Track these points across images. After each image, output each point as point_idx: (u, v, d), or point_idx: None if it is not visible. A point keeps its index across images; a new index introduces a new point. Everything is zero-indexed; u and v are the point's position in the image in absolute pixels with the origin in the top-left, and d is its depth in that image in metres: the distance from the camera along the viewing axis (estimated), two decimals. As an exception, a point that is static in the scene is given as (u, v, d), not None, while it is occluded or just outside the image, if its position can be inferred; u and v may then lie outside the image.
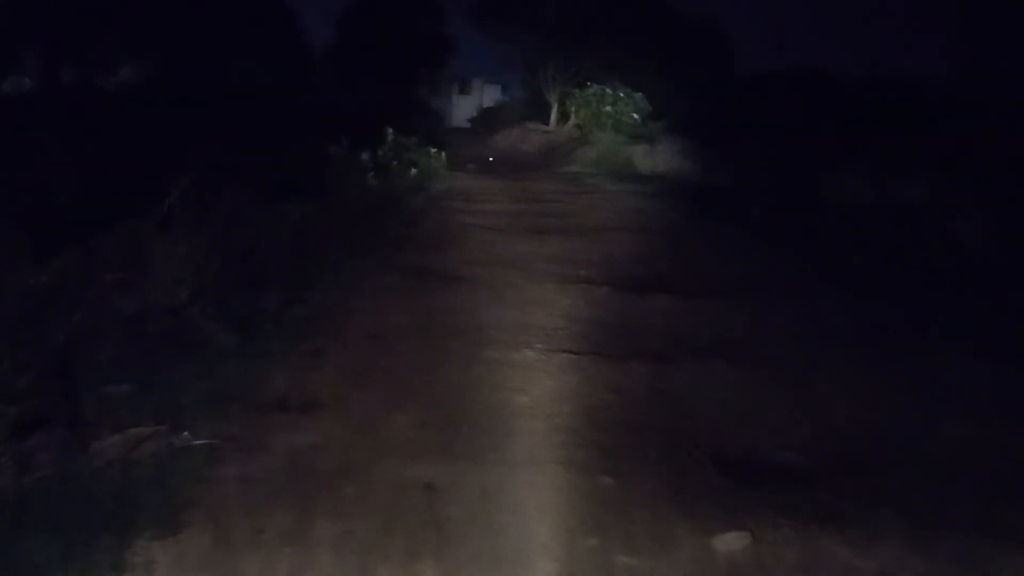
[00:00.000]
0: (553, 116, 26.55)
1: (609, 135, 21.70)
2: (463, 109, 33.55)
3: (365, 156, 11.26)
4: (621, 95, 22.47)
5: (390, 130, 13.06)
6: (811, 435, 4.34)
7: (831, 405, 4.78)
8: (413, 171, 12.95)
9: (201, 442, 3.97)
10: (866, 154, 11.35)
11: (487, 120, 29.73)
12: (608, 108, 22.53)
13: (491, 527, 3.38)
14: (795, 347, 5.88)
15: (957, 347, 5.83)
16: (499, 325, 6.14)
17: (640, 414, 4.57)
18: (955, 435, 4.35)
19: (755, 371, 5.31)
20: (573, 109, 24.71)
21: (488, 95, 34.62)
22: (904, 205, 9.82)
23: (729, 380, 5.16)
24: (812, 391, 4.99)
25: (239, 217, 6.43)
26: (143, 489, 3.51)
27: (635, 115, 21.93)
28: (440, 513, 3.48)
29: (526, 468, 3.90)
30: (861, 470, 3.95)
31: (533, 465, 3.93)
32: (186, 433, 4.02)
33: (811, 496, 3.67)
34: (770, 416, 4.60)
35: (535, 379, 5.07)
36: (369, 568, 3.05)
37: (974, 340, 5.92)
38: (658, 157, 18.11)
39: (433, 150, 14.86)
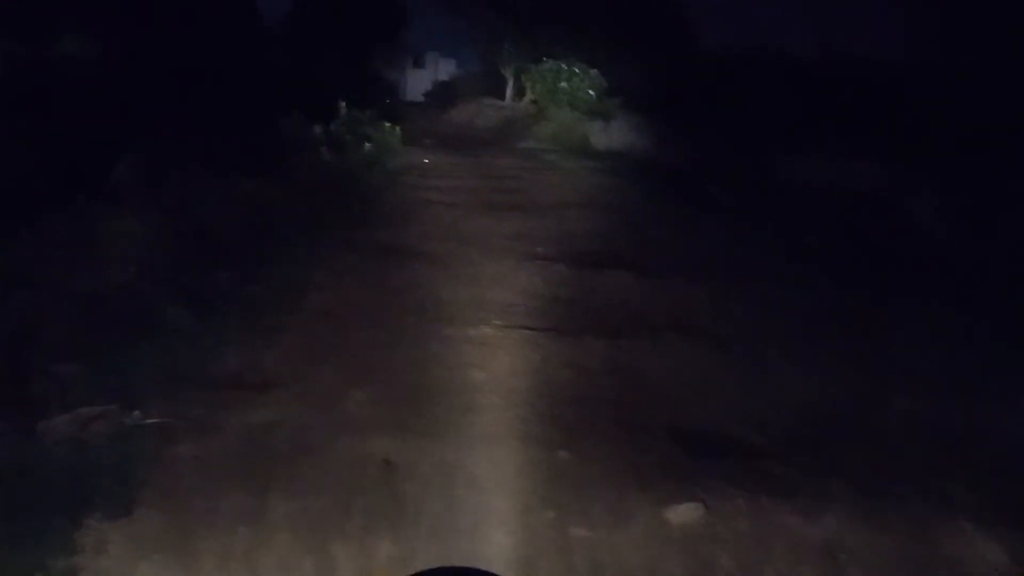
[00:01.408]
0: (509, 91, 26.40)
1: (565, 111, 21.62)
2: (418, 83, 33.16)
3: (318, 130, 11.07)
4: (577, 71, 22.39)
5: (343, 104, 12.84)
6: (764, 410, 4.43)
7: (784, 381, 4.88)
8: (367, 146, 12.75)
9: (154, 421, 3.91)
10: (825, 135, 11.48)
11: (443, 94, 29.43)
12: (564, 84, 22.44)
13: (449, 502, 3.40)
14: (750, 324, 5.97)
15: (909, 326, 5.97)
16: (456, 302, 6.13)
17: (597, 389, 4.62)
18: (903, 410, 4.48)
19: (710, 347, 5.39)
20: (529, 85, 24.59)
21: (443, 69, 34.25)
22: (861, 187, 9.99)
23: (685, 356, 5.23)
24: (766, 367, 5.09)
25: (191, 193, 6.28)
26: (94, 469, 3.45)
27: (591, 91, 21.87)
28: (398, 489, 3.49)
29: (484, 443, 3.91)
30: (812, 443, 4.05)
31: (491, 440, 3.95)
32: (137, 412, 3.95)
33: (763, 468, 3.76)
34: (724, 391, 4.68)
35: (493, 355, 5.08)
36: (326, 545, 3.04)
37: (926, 319, 6.08)
38: (614, 134, 18.12)
39: (388, 124, 14.65)
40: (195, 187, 6.43)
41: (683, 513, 3.35)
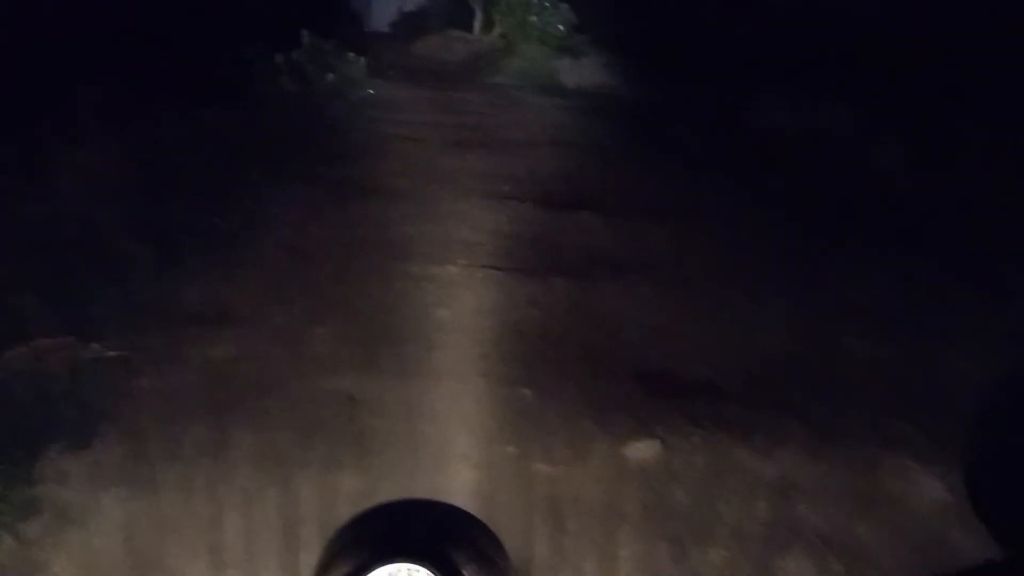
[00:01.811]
0: (477, 24, 25.81)
1: (535, 47, 21.24)
2: (383, 12, 32.19)
3: (279, 59, 10.77)
4: (547, 4, 21.96)
5: (305, 33, 12.47)
6: (724, 350, 4.51)
7: (745, 322, 4.96)
8: (330, 76, 12.45)
9: (113, 354, 3.86)
10: (796, 79, 11.44)
11: (409, 25, 28.68)
12: (533, 18, 21.99)
13: (412, 437, 3.44)
14: (713, 267, 6.02)
15: (867, 269, 6.08)
16: (421, 239, 6.09)
17: (561, 329, 4.66)
18: (859, 352, 4.59)
19: (673, 289, 5.44)
20: (498, 17, 24.08)
21: (410, -1, 33.33)
22: (828, 131, 10.01)
23: (648, 297, 5.27)
24: (727, 308, 5.16)
25: (148, 122, 6.09)
26: (52, 401, 3.42)
27: (561, 26, 21.50)
28: (361, 424, 3.51)
29: (448, 380, 3.95)
30: (769, 384, 4.15)
31: (455, 377, 3.98)
32: (96, 345, 3.90)
33: (721, 408, 3.85)
34: (685, 331, 4.75)
35: (457, 294, 5.08)
36: (289, 477, 3.07)
37: (883, 263, 6.18)
38: (584, 71, 17.89)
39: (352, 55, 14.27)
40: (153, 116, 6.23)
41: (641, 450, 3.43)
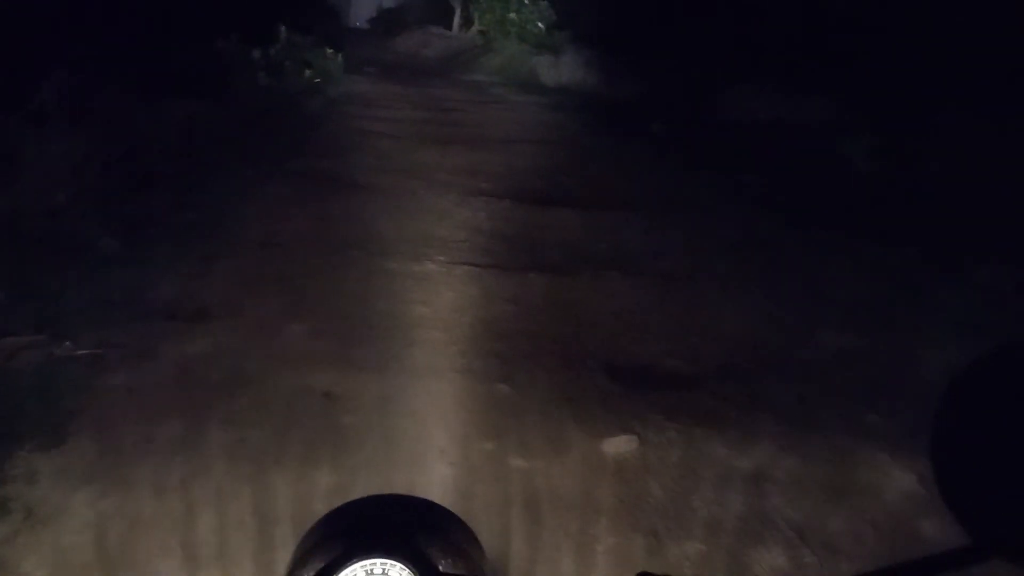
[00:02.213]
0: (456, 21, 25.79)
1: (513, 44, 21.26)
2: (362, 8, 32.15)
3: (256, 54, 10.69)
4: (526, 2, 21.97)
5: (283, 27, 12.39)
6: (699, 343, 4.54)
7: (718, 315, 5.00)
8: (308, 72, 12.39)
9: (84, 352, 3.82)
10: (768, 72, 11.54)
11: (388, 21, 28.62)
12: (512, 15, 22.00)
13: (389, 434, 3.43)
14: (687, 260, 6.06)
15: (838, 260, 6.14)
16: (400, 236, 6.08)
17: (537, 324, 4.66)
18: (831, 344, 4.63)
19: (649, 282, 5.47)
20: (477, 15, 24.06)
21: (389, -5, 33.21)
22: (799, 124, 10.11)
23: (624, 291, 5.29)
24: (701, 302, 5.19)
25: (122, 115, 6.01)
26: (23, 399, 3.38)
27: (540, 24, 21.51)
28: (337, 421, 3.50)
29: (425, 377, 3.94)
30: (744, 377, 4.18)
31: (432, 374, 3.97)
32: (68, 343, 3.85)
33: (696, 401, 3.87)
34: (661, 325, 4.77)
35: (435, 290, 5.07)
36: (264, 474, 3.05)
37: (855, 254, 6.25)
38: (562, 68, 17.90)
39: (330, 51, 14.20)
40: (126, 108, 6.15)
41: (618, 445, 3.44)
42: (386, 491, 3.11)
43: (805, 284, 5.64)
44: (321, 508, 2.72)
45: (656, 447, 3.45)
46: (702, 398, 3.90)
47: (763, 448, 3.45)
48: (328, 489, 3.02)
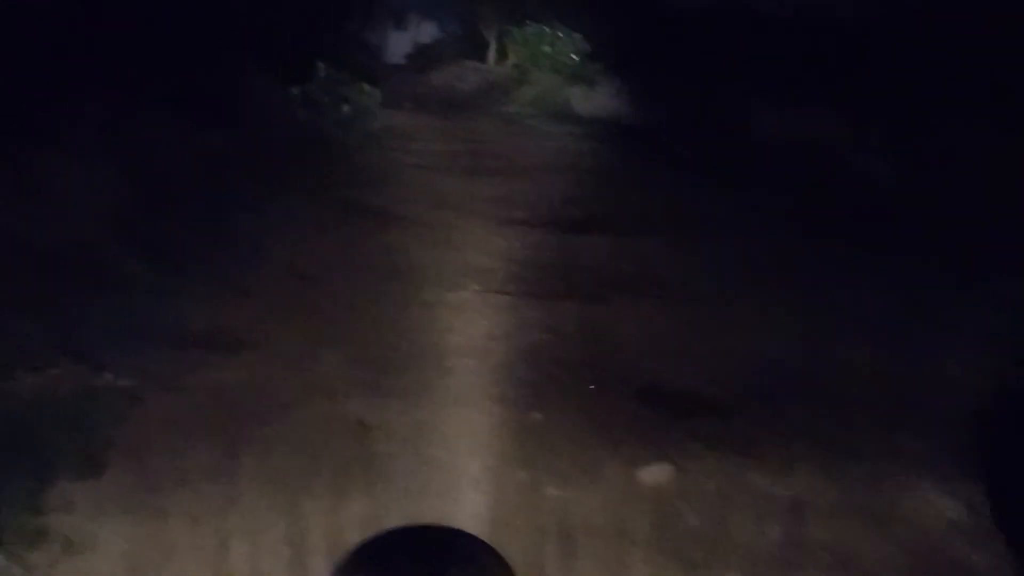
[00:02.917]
0: (491, 55, 26.06)
1: (548, 75, 21.41)
2: (399, 45, 32.61)
3: (295, 91, 10.89)
4: (560, 35, 22.16)
5: (321, 64, 12.63)
6: (731, 368, 4.46)
7: (750, 338, 4.91)
8: (345, 107, 12.58)
9: (121, 382, 3.87)
10: (791, 93, 11.50)
11: (423, 57, 29.00)
12: (547, 48, 22.18)
13: (423, 462, 3.41)
14: (718, 284, 5.98)
15: (865, 278, 6.01)
16: (435, 265, 6.09)
17: (571, 352, 4.62)
18: (863, 365, 4.53)
19: (679, 307, 5.40)
20: (511, 48, 24.32)
21: (425, 31, 33.67)
22: (823, 142, 10.04)
23: (656, 317, 5.24)
24: (732, 325, 5.11)
25: (159, 147, 6.14)
26: (61, 429, 3.42)
27: (574, 55, 21.67)
28: (371, 449, 3.48)
29: (459, 405, 3.92)
30: (778, 401, 4.09)
31: (465, 402, 3.95)
32: (107, 373, 3.90)
33: (731, 428, 3.80)
34: (693, 350, 4.71)
35: (470, 319, 5.07)
36: (297, 504, 3.04)
37: (881, 271, 6.12)
38: (596, 98, 17.99)
39: (367, 86, 14.44)
40: (163, 141, 6.28)
41: (654, 473, 3.38)
42: (419, 521, 3.08)
43: (835, 304, 5.53)
44: (354, 537, 2.69)
45: (692, 475, 3.39)
46: (737, 424, 3.83)
47: (800, 475, 3.36)
48: (361, 518, 3.01)
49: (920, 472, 3.41)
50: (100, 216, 5.09)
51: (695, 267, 6.32)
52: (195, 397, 3.83)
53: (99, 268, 4.87)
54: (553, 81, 20.88)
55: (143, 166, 5.62)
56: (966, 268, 5.80)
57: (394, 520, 3.01)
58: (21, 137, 5.12)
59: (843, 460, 3.50)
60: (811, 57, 11.57)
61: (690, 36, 15.19)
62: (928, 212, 7.21)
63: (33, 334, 4.11)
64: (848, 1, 12.39)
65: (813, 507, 3.16)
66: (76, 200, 4.94)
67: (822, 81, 10.82)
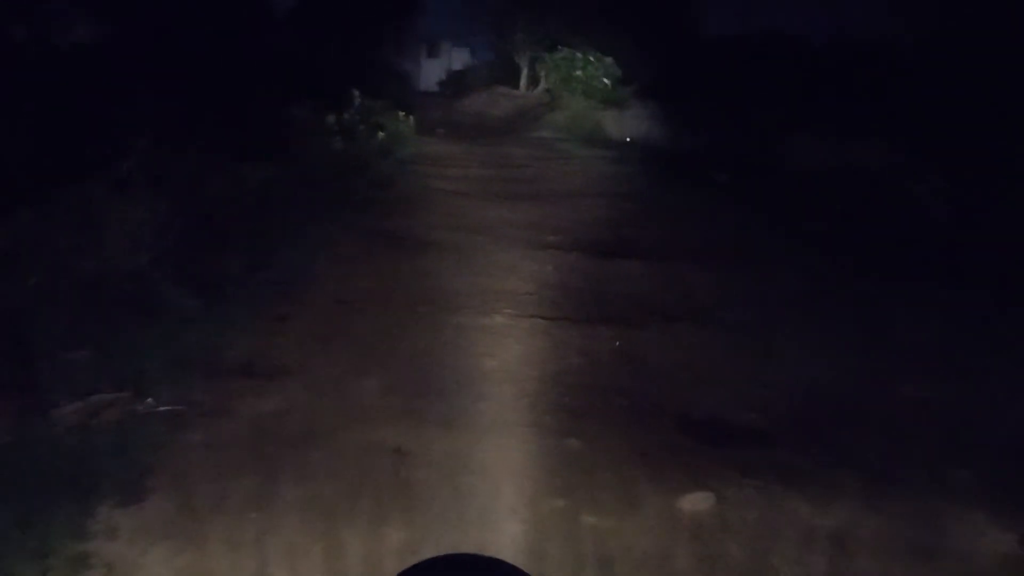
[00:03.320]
0: (523, 80, 26.29)
1: (579, 100, 21.54)
2: (432, 72, 33.07)
3: (331, 119, 11.07)
4: (592, 59, 22.29)
5: (356, 92, 12.84)
6: (772, 396, 4.40)
7: (791, 366, 4.85)
8: (380, 135, 12.75)
9: (164, 408, 3.92)
10: (829, 118, 11.41)
11: (456, 84, 29.34)
12: (578, 73, 22.35)
13: (459, 490, 3.40)
14: (758, 310, 5.94)
15: (912, 308, 5.93)
16: (468, 291, 6.12)
17: (607, 377, 4.60)
18: (909, 393, 4.44)
19: (718, 333, 5.36)
20: (543, 73, 24.50)
21: (457, 58, 34.10)
22: (866, 169, 9.92)
23: (693, 343, 5.20)
24: (773, 352, 5.06)
25: (201, 178, 6.28)
26: (104, 456, 3.47)
27: (605, 80, 21.78)
28: (408, 476, 3.48)
29: (494, 431, 3.91)
30: (821, 430, 4.02)
31: (501, 428, 3.94)
32: (150, 400, 3.96)
33: (773, 456, 3.73)
34: (733, 377, 4.65)
35: (504, 344, 5.07)
36: (336, 531, 3.05)
37: (928, 301, 6.02)
38: (628, 122, 18.04)
39: (401, 114, 14.65)
40: (205, 173, 6.43)
41: (694, 502, 3.33)
42: (457, 549, 3.08)
43: (879, 333, 5.45)
44: (392, 566, 2.69)
45: (734, 504, 3.33)
46: (779, 453, 3.77)
47: (845, 505, 3.29)
48: (399, 546, 3.00)
49: (970, 504, 3.32)
50: (145, 246, 5.21)
51: (734, 293, 6.28)
52: (236, 423, 3.87)
53: (143, 296, 4.97)
54: (585, 106, 21.01)
55: (189, 199, 5.75)
56: (1016, 297, 5.69)
57: (432, 548, 3.01)
58: (72, 169, 5.28)
59: (889, 490, 3.42)
60: (862, 84, 11.48)
61: (724, 61, 15.19)
62: (980, 240, 7.08)
63: (78, 361, 4.20)
64: (883, 24, 12.32)
65: (858, 538, 3.09)
66: (122, 231, 5.06)
67: (873, 109, 10.72)
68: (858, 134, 10.57)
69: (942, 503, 3.35)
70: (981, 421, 4.08)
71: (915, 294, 6.18)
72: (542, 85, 24.83)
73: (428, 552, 2.87)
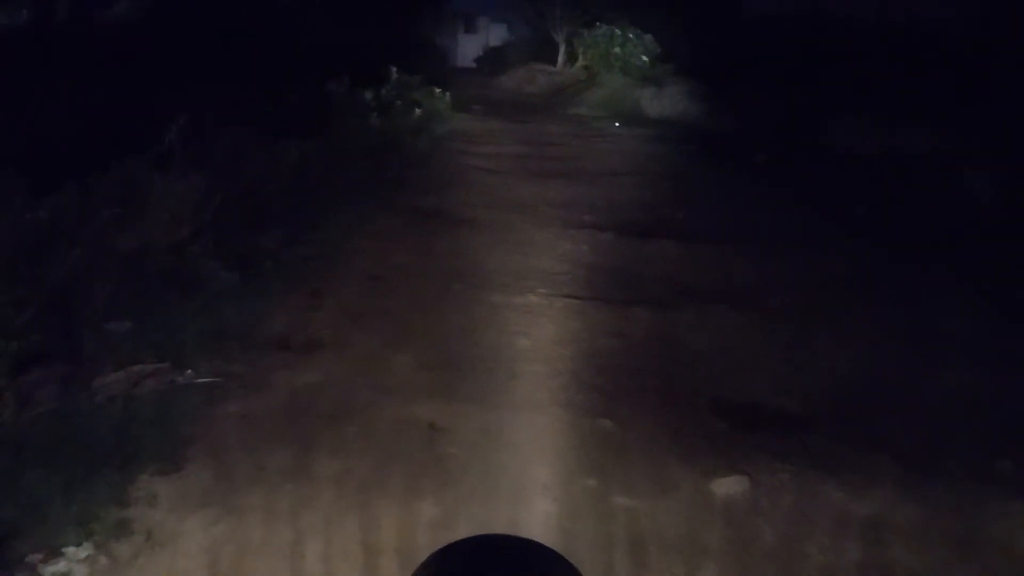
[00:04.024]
0: (560, 57, 26.05)
1: (617, 77, 21.28)
2: (469, 48, 32.93)
3: (368, 95, 11.07)
4: (630, 36, 21.99)
5: (394, 69, 12.81)
6: (810, 381, 4.35)
7: (830, 352, 4.79)
8: (417, 111, 12.73)
9: (203, 380, 3.99)
10: (873, 101, 11.15)
11: (493, 60, 29.19)
12: (617, 50, 22.07)
13: (491, 466, 3.42)
14: (797, 294, 5.86)
15: (957, 296, 5.81)
16: (502, 269, 6.12)
17: (641, 359, 4.58)
18: (951, 382, 4.36)
19: (756, 318, 5.30)
20: (581, 50, 24.24)
21: (494, 34, 33.89)
22: (911, 153, 9.68)
23: (730, 326, 5.15)
24: (812, 338, 4.99)
25: (239, 155, 6.34)
26: (145, 426, 3.55)
27: (644, 57, 21.46)
28: (441, 452, 3.51)
29: (527, 410, 3.92)
30: (858, 416, 3.97)
31: (534, 407, 3.95)
32: (190, 371, 4.04)
33: (808, 441, 3.70)
34: (769, 362, 4.60)
35: (537, 323, 5.07)
36: (370, 503, 3.09)
37: (974, 289, 5.90)
38: (666, 100, 17.80)
39: (438, 90, 14.60)
40: (244, 149, 6.48)
41: (727, 486, 3.31)
42: (488, 526, 3.10)
43: (923, 321, 5.34)
44: (425, 540, 2.72)
45: (767, 489, 3.31)
46: (815, 438, 3.73)
47: (882, 493, 3.25)
48: (431, 520, 3.03)
49: (1012, 494, 3.26)
50: (187, 223, 5.28)
51: (773, 278, 6.20)
52: (272, 396, 3.93)
53: (182, 270, 5.05)
54: (622, 83, 20.77)
55: (228, 175, 5.81)
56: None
57: (463, 524, 3.03)
58: (114, 146, 5.36)
59: (929, 479, 3.37)
60: (908, 65, 11.18)
61: (766, 39, 14.90)
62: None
63: (119, 332, 4.28)
64: (928, 4, 11.99)
65: (895, 527, 3.06)
66: (166, 209, 5.14)
67: (920, 91, 10.44)
68: (904, 118, 10.32)
69: (984, 493, 3.29)
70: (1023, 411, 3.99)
71: (959, 282, 6.05)
72: (580, 62, 24.58)
73: (461, 527, 2.90)
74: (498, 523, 3.05)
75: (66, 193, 4.51)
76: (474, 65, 30.45)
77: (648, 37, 21.79)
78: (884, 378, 4.45)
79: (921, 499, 3.23)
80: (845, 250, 7.06)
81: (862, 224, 7.80)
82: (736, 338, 4.97)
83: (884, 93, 11.24)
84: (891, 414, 4.00)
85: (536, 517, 3.10)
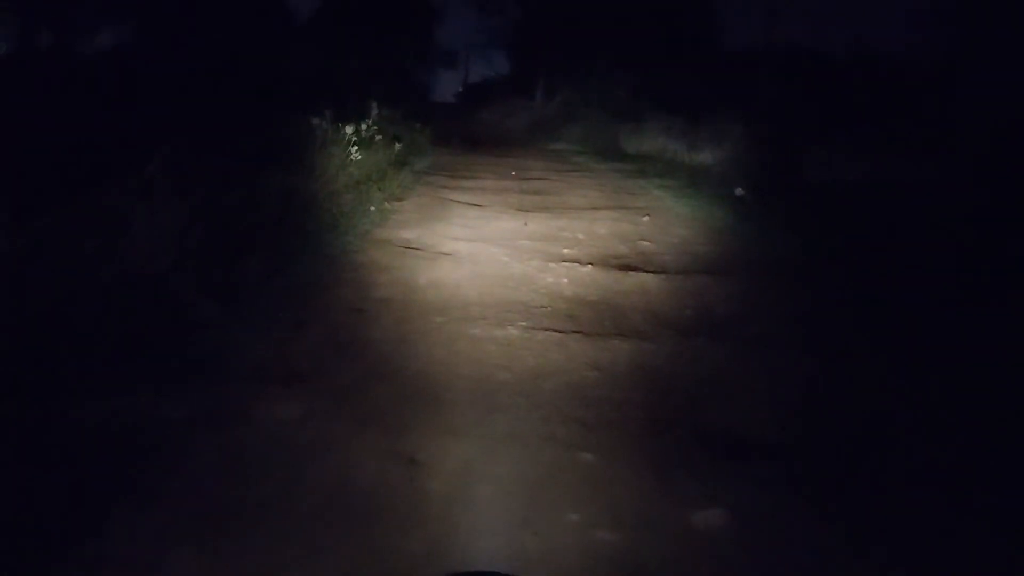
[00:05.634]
0: (539, 92, 26.41)
1: (596, 112, 21.59)
2: (449, 83, 33.30)
3: (349, 130, 11.13)
4: (609, 72, 22.35)
5: (374, 104, 12.92)
6: (791, 413, 4.38)
7: (811, 382, 4.83)
8: (397, 146, 12.82)
9: (179, 413, 3.94)
10: (852, 133, 11.37)
11: (473, 95, 29.51)
12: (596, 85, 22.42)
13: (472, 501, 3.39)
14: (777, 325, 5.91)
15: (936, 328, 5.88)
16: (483, 302, 6.12)
17: (622, 391, 4.58)
18: (933, 414, 4.40)
19: (737, 348, 5.33)
20: (560, 85, 24.59)
21: (474, 70, 34.32)
22: (890, 183, 9.86)
23: (711, 357, 5.18)
24: (793, 370, 5.03)
25: (223, 186, 6.34)
26: (122, 458, 3.49)
27: (622, 92, 21.82)
28: (422, 486, 3.48)
29: (508, 443, 3.90)
30: (839, 448, 3.99)
31: (515, 440, 3.93)
32: (165, 403, 3.98)
33: (790, 472, 3.71)
34: (750, 393, 4.63)
35: (518, 356, 5.07)
36: (350, 540, 3.05)
37: (954, 321, 5.98)
38: (644, 136, 18.05)
39: (418, 125, 14.73)
40: (227, 180, 6.49)
41: (709, 518, 3.31)
42: (469, 561, 3.06)
43: (903, 349, 5.40)
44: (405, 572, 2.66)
45: (749, 520, 3.31)
46: (796, 469, 3.74)
47: (863, 525, 3.26)
48: (413, 556, 3.00)
49: (992, 531, 3.28)
50: (165, 251, 5.25)
51: (753, 309, 6.25)
52: (250, 429, 3.88)
53: (165, 302, 5.01)
54: (601, 118, 21.03)
55: (211, 205, 5.80)
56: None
57: (444, 558, 3.00)
58: (95, 173, 5.34)
59: (907, 509, 3.39)
60: (884, 99, 11.43)
61: (745, 74, 15.19)
62: (1009, 260, 6.98)
63: (96, 363, 4.23)
64: (905, 38, 12.30)
65: (876, 558, 3.06)
66: (143, 235, 5.11)
67: (896, 123, 10.66)
68: (881, 147, 10.52)
69: (959, 523, 3.31)
70: (997, 444, 4.03)
71: (941, 311, 6.13)
72: (558, 97, 24.88)
73: (442, 563, 2.87)
74: (479, 558, 3.03)
75: (45, 221, 4.47)
76: (454, 100, 30.76)
77: (626, 73, 22.14)
78: (862, 407, 4.49)
79: (901, 528, 3.24)
80: (825, 280, 7.15)
81: (839, 254, 7.90)
82: (717, 368, 5.00)
83: (862, 124, 11.46)
84: (871, 443, 4.03)
85: (517, 552, 3.07)
